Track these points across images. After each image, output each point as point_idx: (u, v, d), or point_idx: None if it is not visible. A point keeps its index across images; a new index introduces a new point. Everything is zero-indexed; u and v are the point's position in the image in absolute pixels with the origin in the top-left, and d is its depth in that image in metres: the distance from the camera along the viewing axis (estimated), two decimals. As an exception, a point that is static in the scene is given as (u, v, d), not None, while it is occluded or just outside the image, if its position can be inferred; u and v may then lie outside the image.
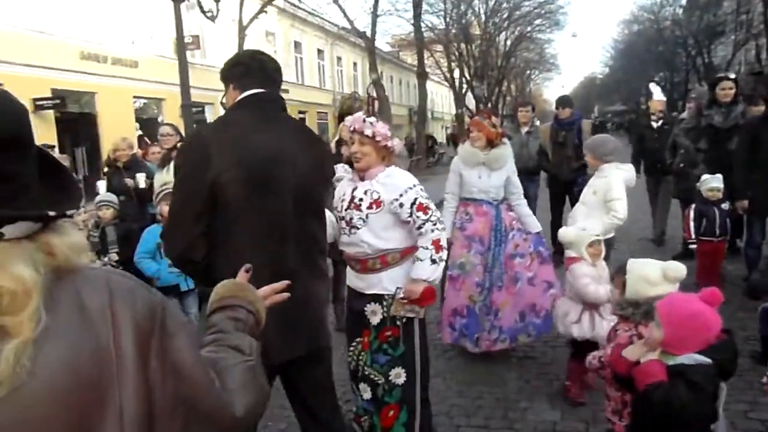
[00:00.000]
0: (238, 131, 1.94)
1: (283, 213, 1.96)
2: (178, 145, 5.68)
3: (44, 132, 14.76)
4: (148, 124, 17.50)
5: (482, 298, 3.94)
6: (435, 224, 2.54)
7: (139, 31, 17.73)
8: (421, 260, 2.52)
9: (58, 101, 14.80)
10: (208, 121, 21.56)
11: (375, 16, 21.89)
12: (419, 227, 2.54)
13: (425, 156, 26.10)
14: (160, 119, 18.63)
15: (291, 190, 1.97)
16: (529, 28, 33.97)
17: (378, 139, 2.58)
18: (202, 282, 1.96)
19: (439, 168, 24.58)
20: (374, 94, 23.74)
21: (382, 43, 36.99)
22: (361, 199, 2.58)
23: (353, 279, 2.73)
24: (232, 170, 1.86)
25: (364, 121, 2.63)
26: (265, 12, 19.02)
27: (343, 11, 21.60)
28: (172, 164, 5.44)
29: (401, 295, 2.59)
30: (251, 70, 2.02)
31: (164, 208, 4.11)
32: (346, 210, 2.62)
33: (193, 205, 1.87)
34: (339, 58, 32.63)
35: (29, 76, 14.18)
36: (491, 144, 4.09)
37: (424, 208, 2.53)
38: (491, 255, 3.96)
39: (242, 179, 1.88)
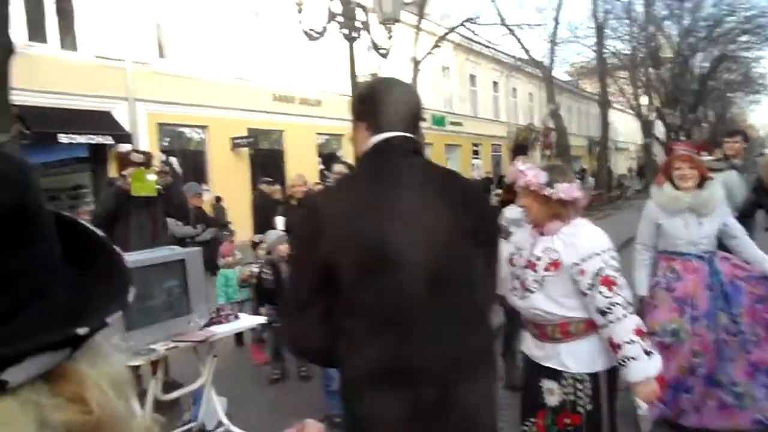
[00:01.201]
0: (354, 197, 1.59)
1: (408, 293, 1.49)
2: None
3: (240, 167, 16.23)
4: (331, 160, 18.45)
5: (703, 369, 3.37)
6: (626, 308, 2.10)
7: (323, 72, 18.89)
8: (634, 359, 2.08)
9: (252, 139, 16.21)
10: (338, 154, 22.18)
11: (553, 44, 21.01)
12: (604, 309, 2.09)
13: (606, 189, 24.22)
14: (339, 154, 19.56)
15: (421, 262, 1.50)
16: (732, 46, 30.17)
17: (533, 189, 2.19)
18: (326, 366, 1.61)
19: (623, 203, 22.59)
20: (551, 125, 22.67)
21: (560, 72, 35.54)
22: (538, 258, 2.22)
23: (529, 343, 2.37)
24: (342, 250, 1.51)
25: (517, 169, 2.26)
26: (439, 47, 19.16)
27: (520, 42, 21.07)
28: None
29: (639, 406, 2.22)
30: (387, 107, 1.64)
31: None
32: (521, 268, 2.23)
33: (305, 286, 1.56)
34: (514, 90, 31.97)
35: (229, 117, 15.72)
36: (700, 184, 3.42)
37: (610, 283, 2.08)
38: (714, 317, 3.35)
39: (352, 260, 1.51)
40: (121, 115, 13.47)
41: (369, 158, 1.62)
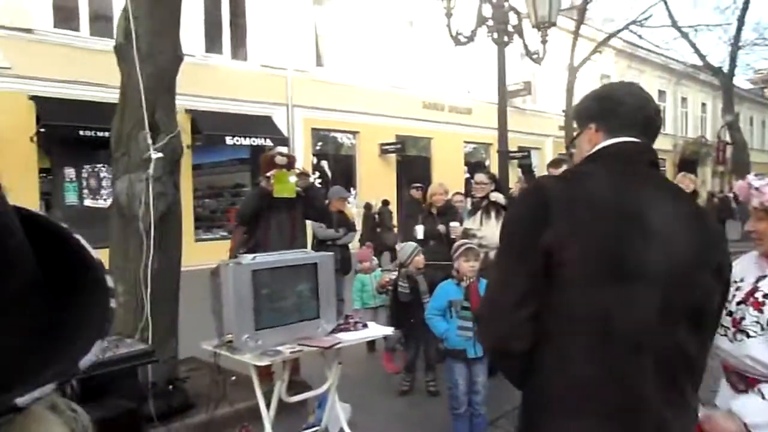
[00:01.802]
0: (594, 186, 1.39)
1: (644, 310, 1.28)
2: (491, 195, 5.35)
3: (387, 173, 16.53)
4: (476, 169, 18.19)
5: None
6: None
7: (473, 80, 18.66)
8: None
9: (399, 146, 16.45)
10: (533, 166, 21.41)
11: (736, 48, 18.79)
12: None
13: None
14: (486, 164, 19.18)
15: (662, 279, 1.28)
16: None
17: None
18: (518, 386, 1.41)
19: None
20: (727, 138, 20.31)
21: (741, 80, 31.83)
22: (766, 296, 1.79)
23: (727, 394, 1.94)
24: (576, 239, 1.29)
25: (749, 185, 1.86)
26: (600, 53, 17.99)
27: (694, 46, 19.12)
28: (486, 215, 5.32)
29: None
30: (624, 109, 1.48)
31: (463, 266, 3.76)
32: (737, 304, 1.84)
33: (519, 279, 1.34)
34: (684, 99, 29.21)
35: (379, 124, 16.08)
36: None
37: None
38: None
39: (587, 253, 1.29)
40: (280, 120, 14.34)
41: (602, 160, 1.47)
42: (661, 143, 28.03)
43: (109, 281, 0.51)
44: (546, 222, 1.29)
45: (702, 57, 19.58)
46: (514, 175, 18.77)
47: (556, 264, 1.28)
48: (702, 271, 1.34)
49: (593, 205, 1.32)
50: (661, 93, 27.65)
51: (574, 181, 1.43)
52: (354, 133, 16.11)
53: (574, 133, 1.59)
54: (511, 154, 14.86)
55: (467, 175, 17.46)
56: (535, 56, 7.31)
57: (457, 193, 8.01)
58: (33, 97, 10.79)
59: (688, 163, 24.79)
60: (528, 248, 1.32)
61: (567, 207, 1.31)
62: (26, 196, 10.57)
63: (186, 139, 10.71)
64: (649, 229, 1.30)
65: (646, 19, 17.75)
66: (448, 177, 16.40)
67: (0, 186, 0.51)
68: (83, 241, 0.54)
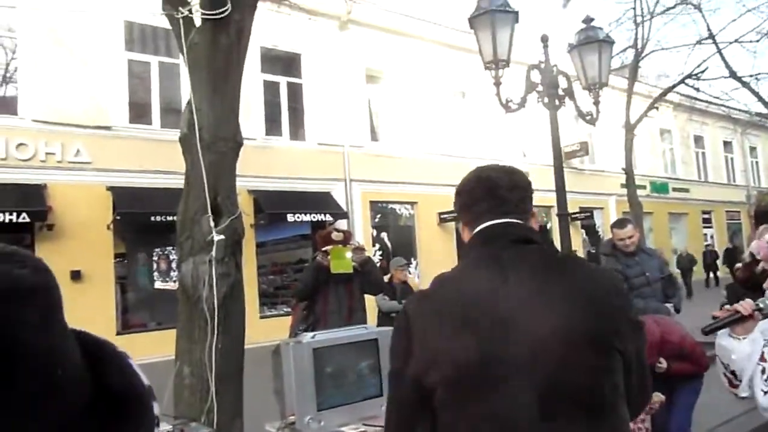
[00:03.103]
0: (448, 297, 1.35)
1: (520, 415, 1.18)
2: None
3: (446, 241, 16.44)
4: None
5: None
6: None
7: (529, 144, 18.66)
8: None
9: (457, 214, 16.40)
10: (597, 227, 20.82)
11: (803, 93, 18.06)
12: None
13: None
14: (548, 226, 18.79)
15: (528, 373, 1.18)
16: None
17: None
18: None
19: None
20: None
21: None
22: None
23: None
24: (433, 365, 1.25)
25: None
26: (656, 108, 17.68)
27: (757, 95, 18.51)
28: None
29: None
30: (472, 197, 1.48)
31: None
32: None
33: (402, 412, 1.35)
34: (753, 149, 28.06)
35: (436, 193, 16.14)
36: None
37: None
38: None
39: (445, 378, 1.24)
40: (339, 195, 14.67)
41: (468, 253, 1.46)
42: (732, 195, 26.89)
43: (156, 409, 0.51)
44: (409, 352, 1.28)
45: (767, 105, 18.90)
46: (578, 237, 18.27)
47: (428, 390, 1.25)
48: (581, 349, 1.19)
49: (447, 320, 1.26)
50: (727, 144, 26.72)
51: (433, 293, 1.39)
52: (412, 203, 16.24)
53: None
54: (573, 216, 14.54)
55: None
56: (588, 117, 7.25)
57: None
58: (110, 188, 11.53)
59: (765, 215, 23.48)
60: (402, 378, 1.31)
61: (421, 330, 1.29)
62: (103, 281, 11.12)
63: (249, 218, 11.09)
64: (512, 323, 1.21)
65: (702, 72, 17.40)
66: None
67: (62, 304, 0.52)
68: (135, 367, 0.55)
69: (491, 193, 1.44)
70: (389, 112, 16.38)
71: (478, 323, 1.23)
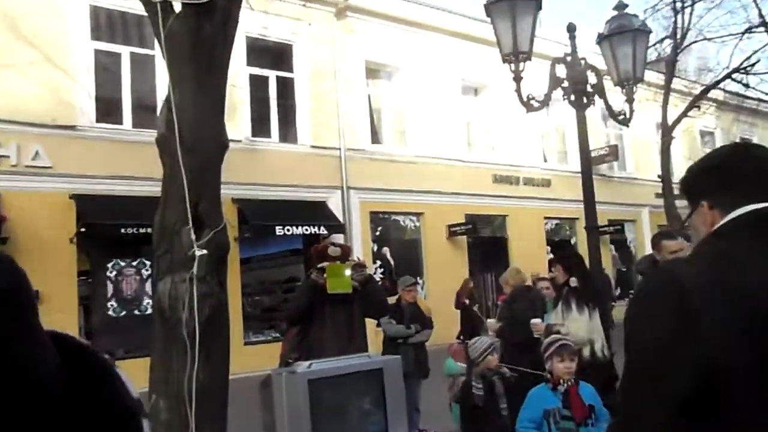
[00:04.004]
0: (748, 272, 1.28)
1: None
2: (570, 280, 5.21)
3: (458, 257, 16.46)
4: (560, 248, 17.87)
5: None
6: None
7: (552, 149, 18.75)
8: None
9: (469, 226, 16.46)
10: (628, 242, 20.83)
11: None
12: None
13: None
14: (572, 241, 18.82)
15: None
16: None
17: None
18: None
19: None
20: None
21: None
22: None
23: None
24: (742, 347, 1.17)
25: None
26: (697, 107, 17.72)
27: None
28: (566, 305, 5.16)
29: None
30: (739, 173, 1.45)
31: (557, 367, 3.64)
32: None
33: (664, 410, 1.23)
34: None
35: (445, 203, 16.22)
36: None
37: None
38: None
39: (759, 362, 1.16)
40: (335, 205, 14.71)
41: (730, 232, 1.41)
42: (784, 207, 26.86)
43: (146, 427, 0.52)
44: (693, 325, 1.19)
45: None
46: (607, 254, 18.26)
47: (720, 384, 1.15)
48: None
49: (755, 300, 1.18)
50: (778, 148, 26.72)
51: (718, 263, 1.31)
52: (418, 214, 16.28)
53: (688, 214, 1.58)
54: (601, 229, 14.54)
55: (551, 256, 17.15)
56: (620, 117, 7.28)
57: (541, 278, 7.81)
58: (73, 196, 11.48)
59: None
60: (674, 364, 1.20)
61: (721, 302, 1.20)
62: (64, 303, 11.05)
63: (233, 231, 11.10)
64: None
65: (752, 65, 17.39)
66: (527, 259, 16.18)
67: (35, 306, 0.53)
68: (125, 378, 0.56)
69: (758, 176, 1.44)
70: (392, 111, 16.47)
71: None
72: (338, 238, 13.39)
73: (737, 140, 25.17)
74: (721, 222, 1.41)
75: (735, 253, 1.31)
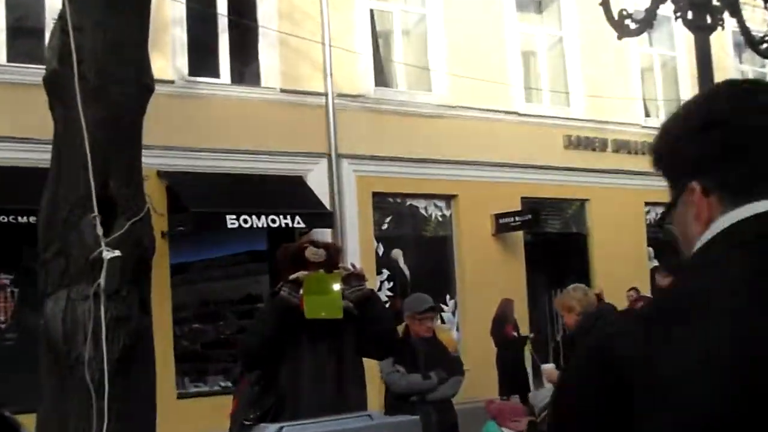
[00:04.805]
0: (723, 332, 1.31)
1: None
2: None
3: (508, 264, 16.47)
4: (666, 251, 17.85)
5: None
6: None
7: (658, 95, 18.69)
8: None
9: (528, 217, 16.42)
10: None
11: None
12: None
13: None
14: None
15: None
16: None
17: None
18: None
19: None
20: None
21: None
22: None
23: None
24: None
25: None
26: None
27: None
28: None
29: None
30: (753, 135, 1.44)
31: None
32: None
33: None
34: None
35: (490, 181, 16.14)
36: None
37: None
38: None
39: None
40: (319, 183, 14.69)
41: (729, 252, 1.40)
42: None
43: None
44: (623, 414, 1.30)
45: None
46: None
47: None
48: None
49: (731, 369, 1.25)
50: None
51: (675, 324, 1.35)
52: (448, 198, 16.28)
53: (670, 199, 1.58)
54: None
55: (655, 263, 17.15)
56: (764, 45, 7.29)
57: (638, 298, 7.86)
58: None
59: None
60: None
61: (676, 384, 1.28)
62: None
63: (160, 222, 11.14)
64: None
65: None
66: (618, 266, 16.11)
67: None
68: None
69: None
70: (410, 37, 16.41)
71: None
72: (323, 233, 13.40)
73: None
74: (721, 221, 1.42)
75: (717, 298, 1.33)
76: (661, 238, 18.62)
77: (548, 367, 6.28)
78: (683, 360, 1.27)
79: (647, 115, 18.92)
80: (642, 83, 18.93)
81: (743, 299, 1.30)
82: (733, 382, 1.24)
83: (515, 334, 13.08)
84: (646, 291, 14.43)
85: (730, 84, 1.61)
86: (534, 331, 15.84)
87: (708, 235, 1.41)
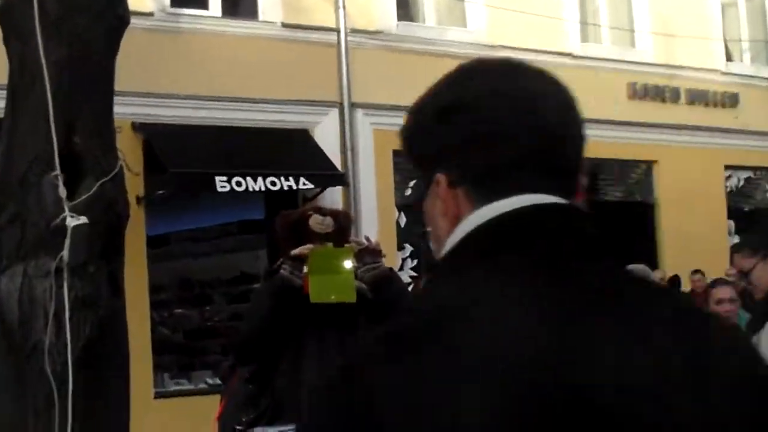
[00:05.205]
0: (466, 357, 1.37)
1: None
2: None
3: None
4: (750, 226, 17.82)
5: None
6: None
7: (743, 35, 18.59)
8: None
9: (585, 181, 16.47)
10: None
11: None
12: None
13: None
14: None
15: None
16: None
17: None
18: None
19: None
20: None
21: None
22: None
23: None
24: None
25: None
26: None
27: None
28: None
29: None
30: (501, 122, 1.49)
31: None
32: None
33: None
34: None
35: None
36: None
37: None
38: None
39: None
40: (328, 137, 14.71)
41: (479, 263, 1.46)
42: None
43: None
44: None
45: None
46: None
47: None
48: None
49: (465, 396, 1.31)
50: None
51: (431, 339, 1.39)
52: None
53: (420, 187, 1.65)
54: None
55: (736, 239, 17.10)
56: None
57: (720, 281, 7.81)
58: None
59: None
60: None
61: (411, 412, 1.33)
62: None
63: (135, 184, 11.21)
64: (608, 417, 1.31)
65: None
66: (693, 243, 16.14)
67: None
68: None
69: (536, 130, 1.48)
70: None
71: (549, 417, 1.32)
72: (332, 199, 13.45)
73: None
74: (469, 220, 1.47)
75: (461, 320, 1.39)
76: (744, 209, 18.68)
77: None
78: (432, 388, 1.31)
79: (729, 59, 18.83)
80: (723, 21, 18.83)
81: (498, 314, 1.36)
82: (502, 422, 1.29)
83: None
84: (722, 274, 14.43)
85: (484, 63, 1.67)
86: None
87: (457, 235, 1.46)
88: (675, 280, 14.76)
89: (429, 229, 1.58)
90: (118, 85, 4.24)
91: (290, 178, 13.67)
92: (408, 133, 1.61)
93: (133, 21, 4.29)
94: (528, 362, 1.30)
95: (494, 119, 1.45)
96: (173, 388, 13.76)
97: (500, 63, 1.64)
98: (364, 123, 15.01)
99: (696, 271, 14.05)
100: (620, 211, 17.70)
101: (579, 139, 1.53)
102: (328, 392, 1.51)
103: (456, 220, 1.47)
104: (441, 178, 1.48)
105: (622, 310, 1.38)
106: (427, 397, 1.31)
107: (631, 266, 6.81)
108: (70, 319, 3.83)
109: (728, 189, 18.65)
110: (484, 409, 1.29)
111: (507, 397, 1.29)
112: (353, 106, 14.89)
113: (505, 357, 1.30)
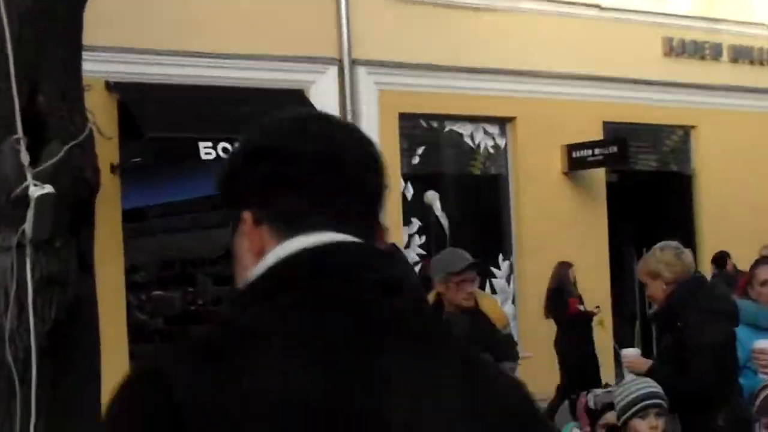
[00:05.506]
0: (267, 375, 1.59)
1: None
2: None
3: (586, 211, 16.53)
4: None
5: None
6: None
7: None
8: None
9: (614, 149, 16.43)
10: None
11: None
12: None
13: None
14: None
15: None
16: None
17: None
18: None
19: None
20: None
21: None
22: None
23: None
24: None
25: None
26: None
27: None
28: None
29: None
30: (299, 166, 1.78)
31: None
32: None
33: None
34: None
35: (561, 99, 16.17)
36: None
37: None
38: None
39: None
40: (326, 97, 14.71)
41: (274, 298, 1.68)
42: None
43: None
44: None
45: None
46: None
47: None
48: None
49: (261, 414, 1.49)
50: None
51: (225, 359, 1.58)
52: (502, 122, 16.34)
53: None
54: None
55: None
56: None
57: (764, 262, 7.83)
58: None
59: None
60: None
61: (210, 418, 1.49)
62: None
63: (108, 150, 11.22)
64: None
65: None
66: (736, 219, 16.11)
67: None
68: None
69: (335, 168, 1.75)
70: None
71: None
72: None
73: None
74: (270, 256, 1.70)
75: (258, 343, 1.59)
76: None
77: (630, 353, 6.30)
78: (229, 406, 1.50)
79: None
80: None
81: (288, 346, 1.58)
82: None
83: (580, 308, 13.14)
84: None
85: (283, 115, 1.93)
86: (615, 305, 15.93)
87: (259, 269, 1.68)
88: (721, 257, 14.69)
89: (237, 265, 1.82)
90: (91, 40, 4.24)
91: (282, 144, 13.65)
92: (222, 174, 1.85)
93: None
94: (294, 397, 1.49)
95: (295, 163, 1.71)
96: (152, 379, 13.82)
97: (310, 114, 1.98)
98: (367, 82, 15.06)
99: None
100: (653, 183, 17.77)
101: (379, 187, 1.77)
102: (132, 386, 1.64)
103: (260, 255, 1.70)
104: (247, 216, 1.74)
105: (397, 348, 1.58)
106: (219, 417, 1.49)
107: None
108: (33, 300, 3.84)
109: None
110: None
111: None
112: (354, 63, 14.95)
113: (278, 390, 1.50)
